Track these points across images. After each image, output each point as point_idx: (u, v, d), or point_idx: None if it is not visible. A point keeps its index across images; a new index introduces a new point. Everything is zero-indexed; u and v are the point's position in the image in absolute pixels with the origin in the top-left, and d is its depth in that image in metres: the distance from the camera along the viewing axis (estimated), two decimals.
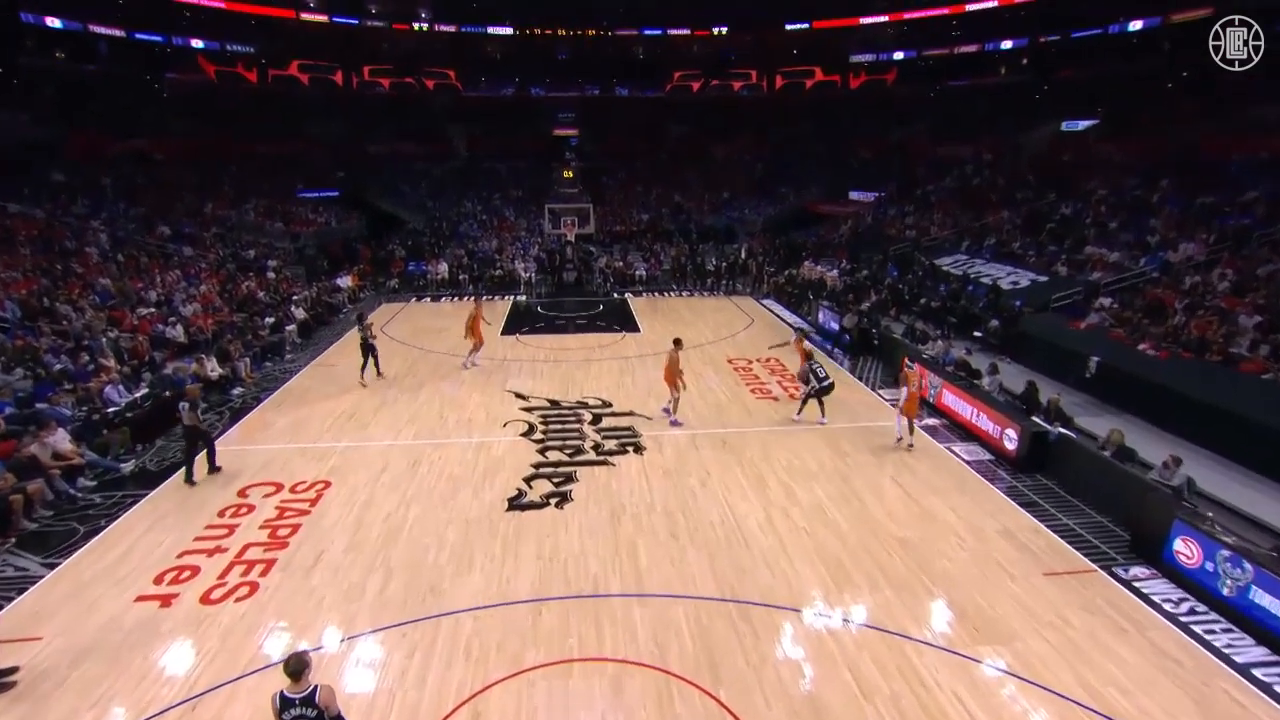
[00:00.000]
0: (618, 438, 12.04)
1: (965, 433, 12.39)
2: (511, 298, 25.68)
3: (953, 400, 12.94)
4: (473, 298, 17.20)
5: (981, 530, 9.28)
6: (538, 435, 12.16)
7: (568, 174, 31.57)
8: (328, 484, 10.50)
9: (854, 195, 37.67)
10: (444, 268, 28.24)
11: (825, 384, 12.55)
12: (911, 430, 11.91)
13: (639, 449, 11.66)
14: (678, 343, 12.91)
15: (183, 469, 10.66)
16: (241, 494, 10.23)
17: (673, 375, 12.65)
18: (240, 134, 38.23)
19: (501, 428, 12.45)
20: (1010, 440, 11.19)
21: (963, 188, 29.92)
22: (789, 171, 43.61)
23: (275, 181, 36.06)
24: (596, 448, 11.66)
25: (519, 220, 37.71)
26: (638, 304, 24.86)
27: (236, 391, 14.58)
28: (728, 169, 46.37)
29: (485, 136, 47.80)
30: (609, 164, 47.94)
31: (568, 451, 11.54)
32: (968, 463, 11.27)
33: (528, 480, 10.59)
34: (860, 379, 15.55)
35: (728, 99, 50.12)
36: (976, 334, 16.93)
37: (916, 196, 31.39)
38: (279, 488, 10.38)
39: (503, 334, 19.59)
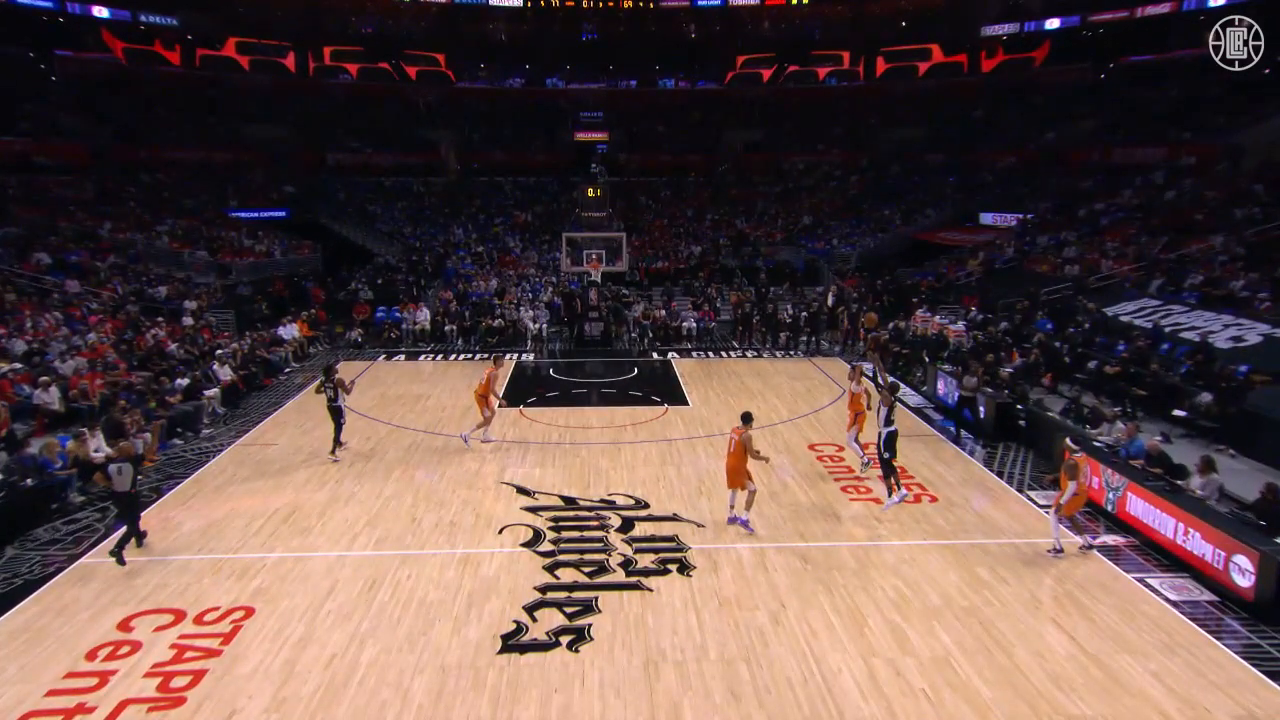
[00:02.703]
0: (656, 551, 12.09)
1: (1166, 557, 12.03)
2: (514, 357, 26.14)
3: (1144, 510, 12.67)
4: (489, 359, 17.67)
5: (1209, 715, 8.80)
6: (545, 546, 12.24)
7: (594, 193, 32.47)
8: (249, 612, 10.53)
9: (987, 219, 38.14)
10: (425, 316, 29.11)
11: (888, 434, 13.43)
12: (1080, 533, 12.01)
13: (685, 568, 11.61)
14: (747, 419, 13.00)
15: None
16: (123, 626, 10.15)
17: (741, 465, 12.65)
18: (155, 135, 40.20)
19: (496, 535, 12.64)
20: (1243, 573, 10.75)
21: (1149, 205, 29.84)
22: (895, 188, 44.70)
23: (200, 198, 37.95)
24: (626, 565, 11.67)
25: (527, 254, 38.99)
26: (685, 368, 25.16)
27: (142, 477, 14.76)
28: (810, 186, 47.57)
29: (484, 143, 49.93)
30: (649, 180, 49.04)
31: (587, 570, 11.53)
32: (1174, 604, 10.85)
33: (530, 610, 10.56)
34: (1001, 474, 15.45)
35: (810, 92, 51.52)
36: (1178, 413, 16.56)
37: (1079, 219, 31.63)
38: (178, 617, 10.38)
39: (501, 406, 20.08)
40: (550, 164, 48.51)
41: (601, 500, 13.91)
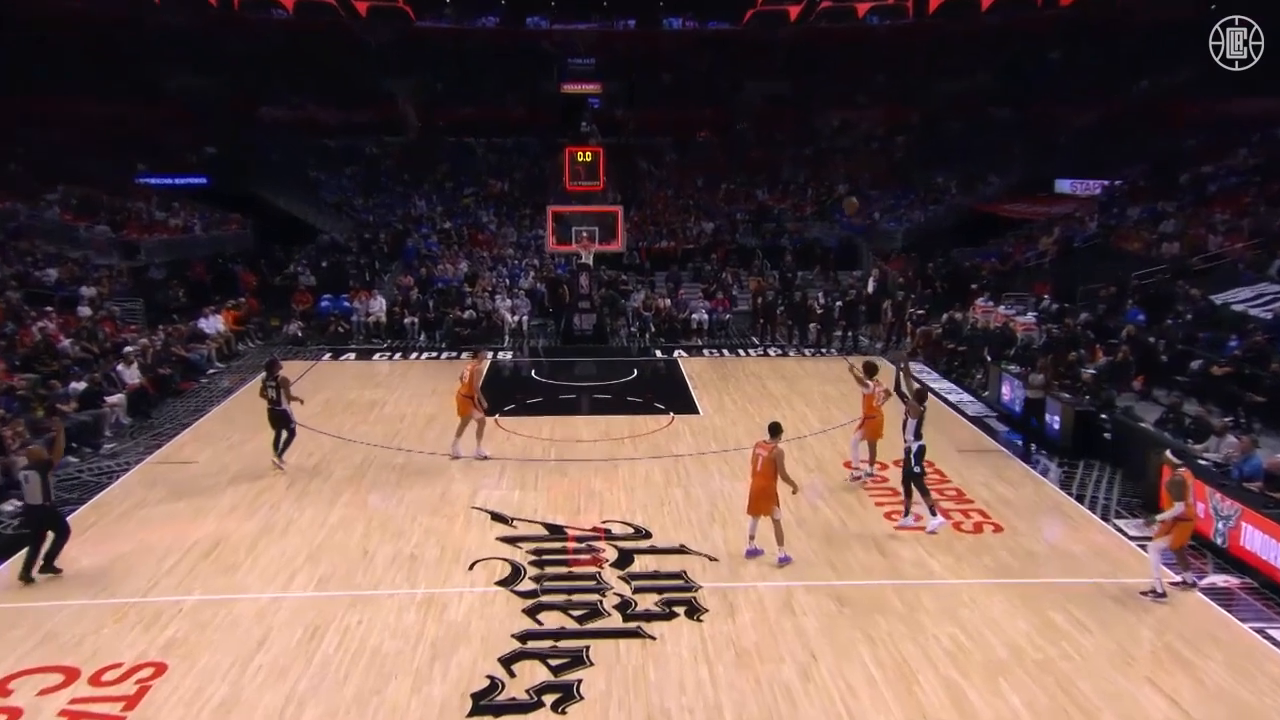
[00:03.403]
0: (659, 591, 12.09)
1: None
2: (488, 355, 26.17)
3: (1263, 544, 12.62)
4: (468, 356, 17.81)
5: None
6: (526, 584, 12.25)
7: (584, 156, 32.43)
8: (160, 669, 10.41)
9: (1064, 187, 38.20)
10: (380, 306, 29.28)
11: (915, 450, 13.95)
12: (1184, 565, 12.03)
13: (695, 611, 11.61)
14: (776, 431, 12.99)
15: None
16: (0, 688, 10.04)
17: (770, 488, 12.62)
18: (45, 84, 39.85)
19: (466, 571, 12.63)
20: None
21: (1270, 168, 29.50)
22: (950, 151, 44.74)
23: (102, 160, 38.07)
24: (624, 608, 11.66)
25: (503, 231, 39.30)
26: (695, 368, 25.24)
27: (9, 507, 14.61)
28: (846, 149, 47.63)
29: (451, 96, 49.92)
30: (650, 141, 49.13)
31: (576, 613, 11.53)
32: None
33: (507, 662, 10.56)
34: (1081, 499, 15.43)
35: (847, 33, 51.45)
36: None
37: (1180, 186, 31.61)
38: (70, 677, 10.22)
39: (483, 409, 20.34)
40: (531, 122, 48.48)
41: (594, 529, 13.90)
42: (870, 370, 16.21)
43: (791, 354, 27.04)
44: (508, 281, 32.24)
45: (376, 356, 26.60)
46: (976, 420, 20.13)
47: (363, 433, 18.83)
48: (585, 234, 29.19)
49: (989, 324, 25.35)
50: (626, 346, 28.56)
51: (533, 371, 24.97)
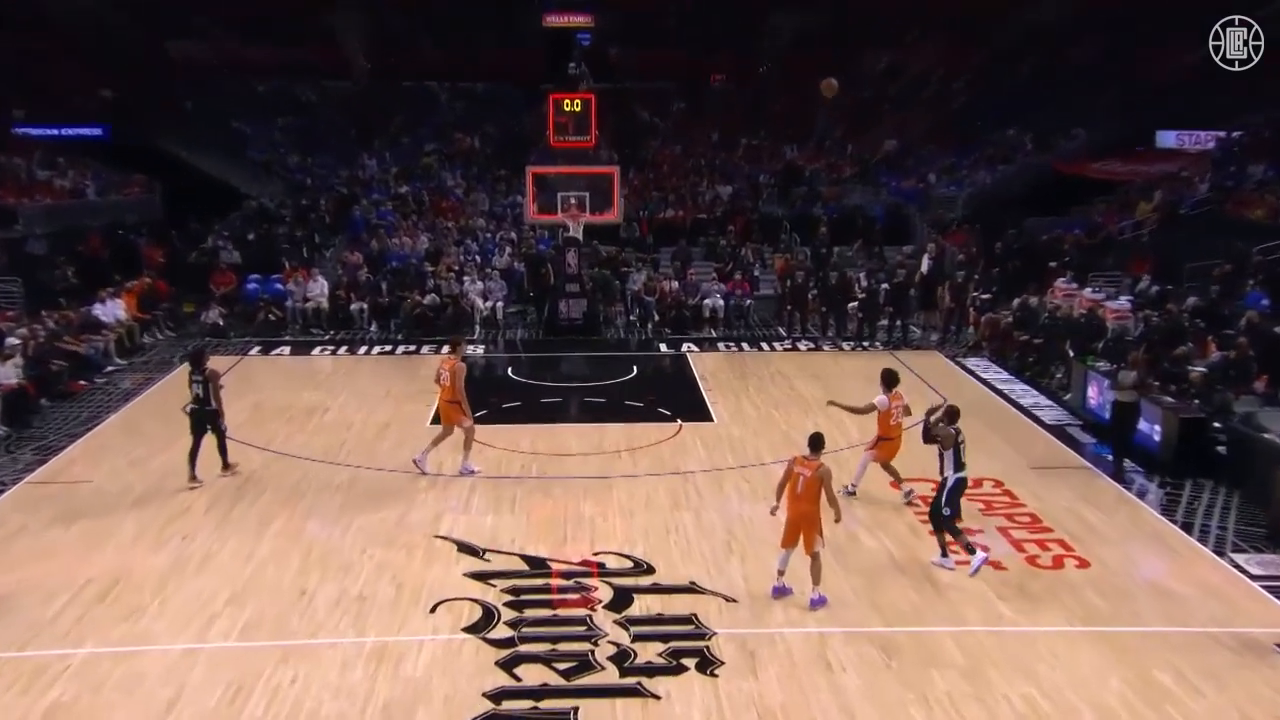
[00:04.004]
0: (664, 639, 12.12)
1: None
2: (469, 348, 26.12)
3: None
4: (448, 351, 17.78)
5: None
6: (501, 631, 12.26)
7: (572, 105, 32.15)
8: None
9: (1167, 140, 38.06)
10: (321, 289, 29.39)
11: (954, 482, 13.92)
12: None
13: (708, 664, 11.62)
14: (818, 444, 12.89)
15: None
16: None
17: (815, 515, 12.50)
18: None
19: (427, 615, 12.64)
20: None
21: None
22: (1024, 98, 44.64)
23: None
24: (621, 659, 11.69)
25: (473, 198, 39.30)
26: (708, 365, 25.34)
27: None
28: (895, 97, 47.79)
29: (409, 31, 50.00)
30: (654, 87, 49.41)
31: (562, 666, 11.56)
32: None
33: None
34: (1189, 528, 15.36)
35: None
36: None
37: None
38: None
39: (433, 422, 20.06)
40: (508, 64, 48.45)
41: (584, 563, 13.87)
42: (889, 380, 16.16)
43: (826, 348, 27.02)
44: (478, 259, 32.21)
45: (317, 351, 26.62)
46: (1056, 430, 20.06)
47: (299, 444, 18.77)
48: (573, 201, 29.09)
49: (1071, 311, 25.20)
50: (624, 339, 28.60)
51: (509, 369, 24.94)
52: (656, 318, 29.12)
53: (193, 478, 16.54)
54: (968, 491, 15.76)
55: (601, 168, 31.47)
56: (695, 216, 36.90)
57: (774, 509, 12.98)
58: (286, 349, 26.64)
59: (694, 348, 27.02)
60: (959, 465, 13.81)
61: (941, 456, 13.95)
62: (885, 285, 28.59)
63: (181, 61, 45.72)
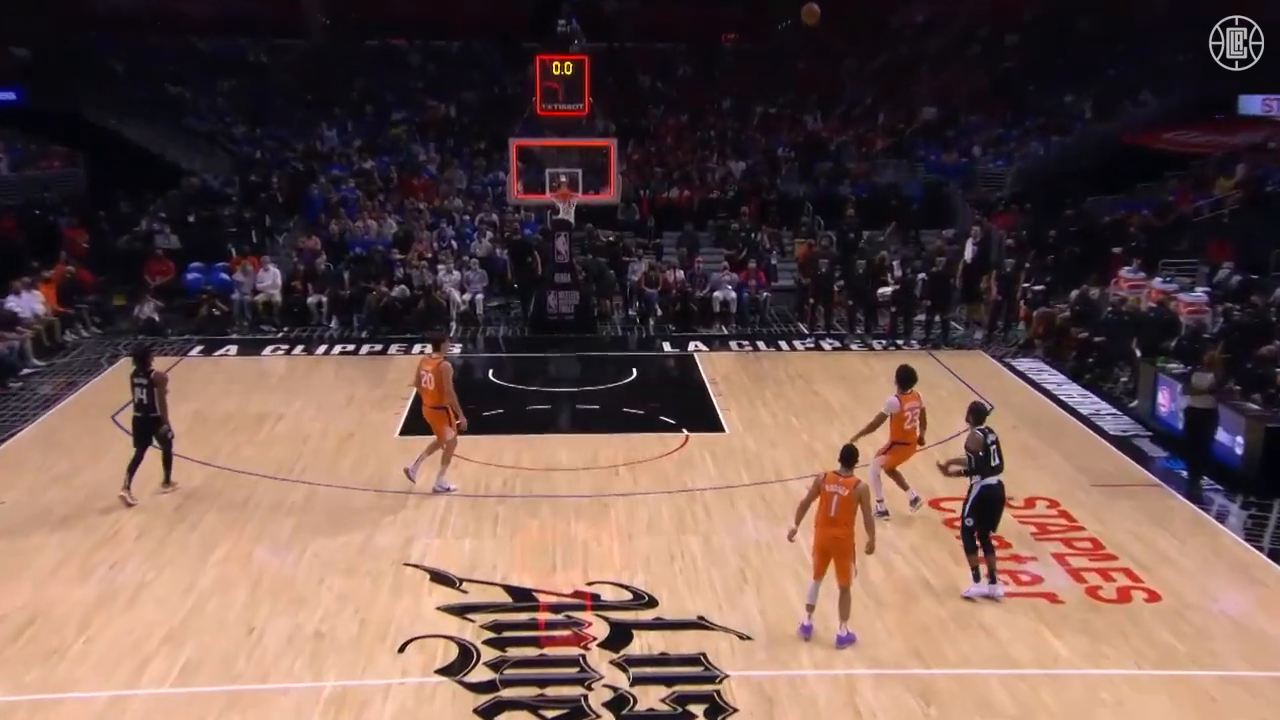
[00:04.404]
0: (668, 682, 12.10)
1: None
2: (453, 346, 26.30)
3: None
4: (431, 350, 17.74)
5: None
6: (480, 674, 12.22)
7: (563, 68, 31.96)
8: None
9: (1252, 107, 37.87)
10: (273, 279, 29.38)
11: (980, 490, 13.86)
12: None
13: (719, 710, 11.63)
14: (851, 459, 12.81)
15: None
16: None
17: (849, 541, 12.38)
18: None
19: (395, 655, 12.63)
20: None
21: None
22: (1082, 59, 44.62)
23: None
24: (619, 705, 11.67)
25: (448, 175, 39.29)
26: (719, 367, 25.38)
27: None
28: (934, 57, 47.56)
29: None
30: (656, 47, 49.47)
31: (551, 714, 11.54)
32: None
33: None
34: (1277, 555, 15.28)
35: None
36: None
37: None
38: None
39: (403, 432, 20.28)
40: (488, 19, 48.39)
41: (576, 594, 13.86)
42: (904, 379, 16.16)
43: (855, 347, 27.07)
44: (454, 245, 32.16)
45: (268, 351, 26.61)
46: (1120, 441, 20.03)
47: (247, 458, 18.71)
48: (564, 179, 29.02)
49: (1139, 304, 25.22)
50: (622, 337, 28.64)
51: (490, 372, 24.89)
52: (659, 313, 29.09)
53: (126, 489, 16.49)
54: (1019, 514, 15.79)
55: (596, 140, 31.52)
56: (704, 196, 36.93)
57: (792, 533, 12.91)
58: (233, 349, 26.58)
59: (702, 347, 27.00)
60: (989, 469, 13.71)
61: (970, 460, 13.88)
62: (922, 275, 28.55)
63: (109, 15, 45.53)
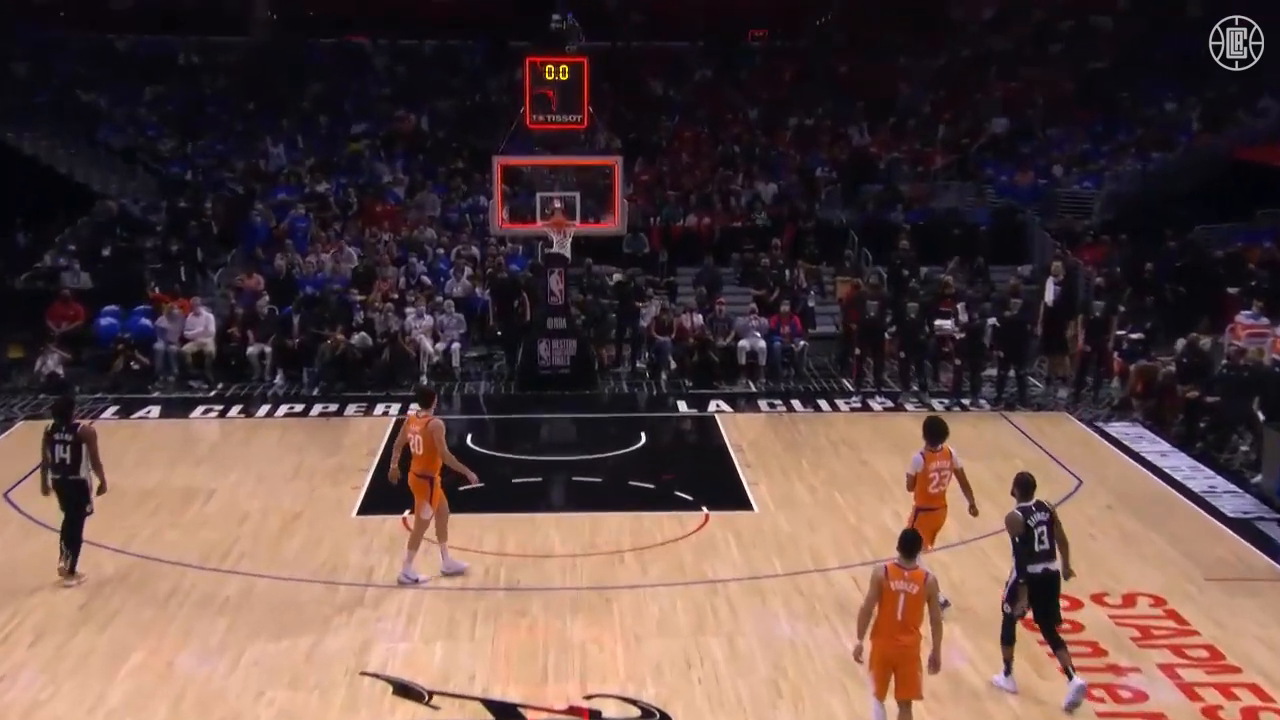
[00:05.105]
0: None
1: None
2: (392, 411, 26.38)
3: None
4: (419, 409, 17.60)
5: None
6: None
7: (558, 72, 32.03)
8: None
9: None
10: (205, 324, 29.27)
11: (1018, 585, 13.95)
12: None
13: None
14: (913, 546, 12.55)
15: None
16: None
17: (916, 651, 12.25)
18: None
19: None
20: None
21: None
22: (1187, 61, 43.63)
23: None
24: None
25: (419, 199, 39.29)
26: (745, 431, 25.44)
27: None
28: (1004, 56, 47.84)
29: None
30: (668, 47, 49.79)
31: None
32: None
33: None
34: None
35: None
36: None
37: None
38: None
39: (361, 511, 20.26)
40: (467, 12, 48.82)
41: (571, 709, 13.76)
42: (934, 433, 16.10)
43: (910, 407, 27.01)
44: (425, 283, 32.28)
45: (198, 412, 26.62)
46: (1241, 525, 19.79)
47: (171, 544, 18.57)
48: (558, 204, 29.10)
49: (1261, 355, 25.20)
50: (629, 394, 28.67)
51: (468, 437, 24.70)
52: (673, 365, 29.14)
53: (64, 560, 16.56)
54: (1116, 613, 15.67)
55: (597, 158, 31.63)
56: (726, 225, 37.04)
57: (859, 651, 12.48)
58: (155, 409, 26.60)
59: (725, 407, 27.02)
60: (1032, 555, 13.63)
61: (1013, 545, 13.85)
62: (993, 320, 28.40)
63: (7, 5, 45.74)
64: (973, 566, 17.73)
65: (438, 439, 16.95)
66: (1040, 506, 13.80)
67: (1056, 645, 13.75)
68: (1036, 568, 13.60)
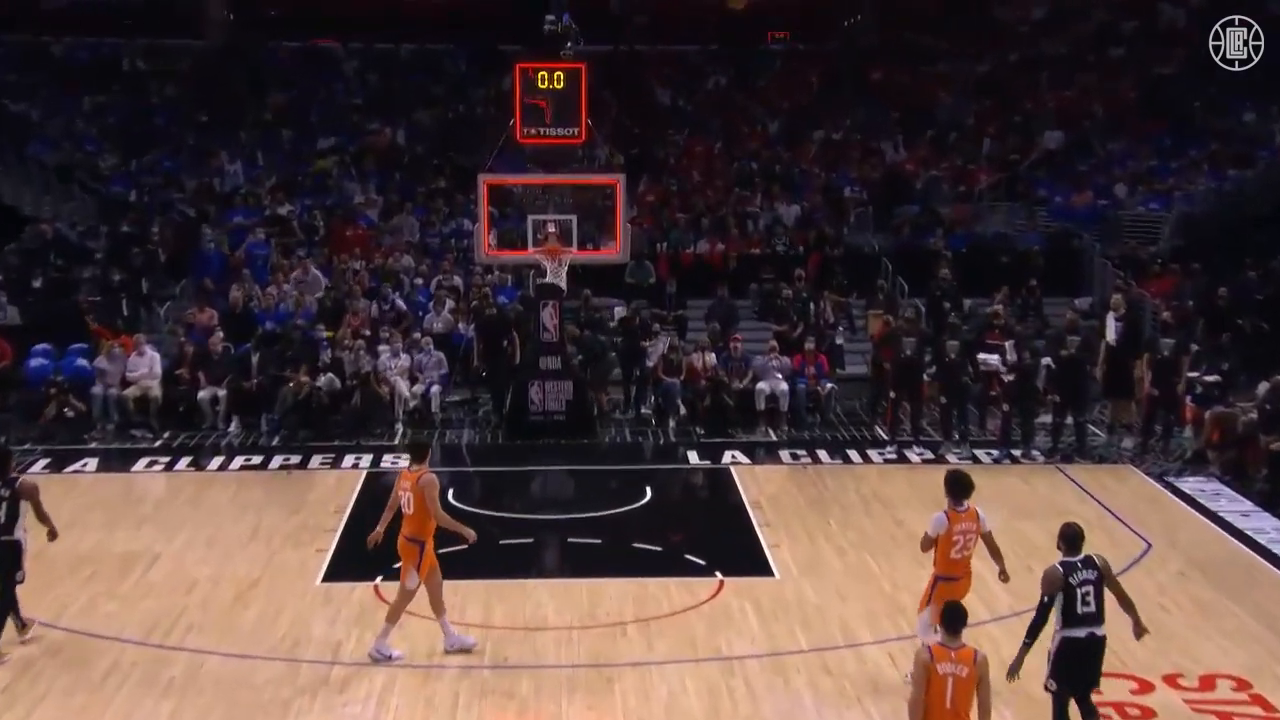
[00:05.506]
0: None
1: None
2: (363, 463, 26.51)
3: None
4: (412, 462, 17.49)
5: None
6: None
7: (552, 80, 32.05)
8: None
9: None
10: (150, 363, 29.33)
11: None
12: None
13: None
14: (957, 621, 12.45)
15: None
16: None
17: None
18: None
19: None
20: None
21: None
22: (1269, 64, 44.19)
23: None
24: None
25: (395, 223, 39.40)
26: (765, 486, 25.46)
27: None
28: (1059, 61, 48.08)
29: None
30: (677, 51, 50.34)
31: None
32: None
33: None
34: None
35: None
36: None
37: None
38: None
39: (328, 578, 20.18)
40: (449, 13, 48.88)
41: None
42: (957, 488, 15.82)
43: (952, 458, 26.85)
44: (400, 308, 32.35)
45: (142, 464, 26.59)
46: None
47: (108, 617, 18.49)
48: (553, 229, 29.05)
49: None
50: (632, 444, 28.67)
51: (450, 493, 24.52)
52: (683, 410, 29.20)
53: (20, 628, 16.80)
54: (1192, 698, 15.50)
55: (597, 176, 31.71)
56: (743, 251, 37.06)
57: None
58: (92, 462, 26.56)
59: (742, 458, 27.00)
60: (1074, 618, 13.46)
61: (1041, 603, 13.67)
62: (1047, 361, 28.40)
63: None
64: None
65: (429, 496, 16.72)
66: (1088, 563, 13.59)
67: (1089, 714, 13.71)
68: (1079, 632, 13.38)
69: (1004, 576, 15.98)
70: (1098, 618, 13.44)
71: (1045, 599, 13.45)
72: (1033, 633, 13.45)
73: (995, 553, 15.77)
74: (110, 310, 31.75)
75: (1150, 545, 20.85)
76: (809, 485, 25.43)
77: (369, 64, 48.06)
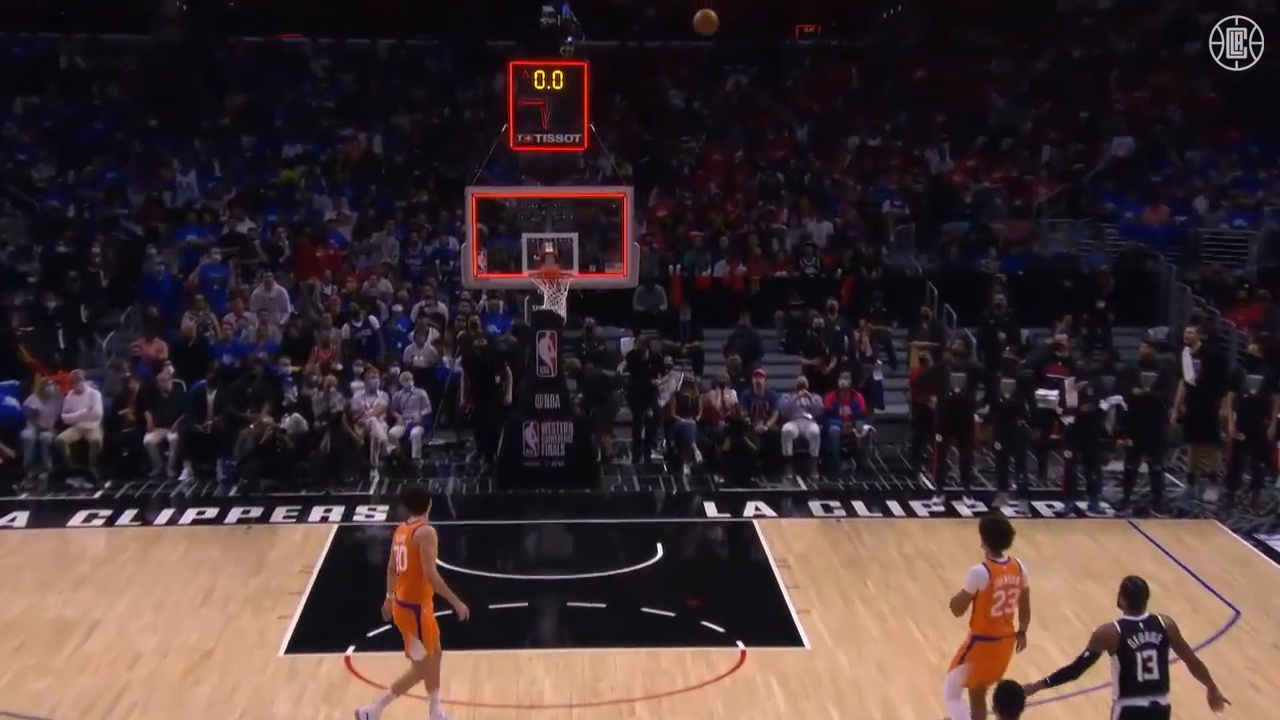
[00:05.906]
0: None
1: None
2: (333, 516, 26.57)
3: None
4: (408, 514, 17.40)
5: None
6: None
7: (550, 81, 32.03)
8: None
9: None
10: (90, 402, 29.28)
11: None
12: None
13: None
14: (1014, 701, 12.64)
15: None
16: None
17: None
18: None
19: None
20: None
21: None
22: None
23: None
24: None
25: (370, 242, 39.57)
26: (793, 539, 25.45)
27: None
28: (1128, 58, 48.38)
29: None
30: (691, 48, 50.33)
31: None
32: None
33: None
34: None
35: None
36: None
37: None
38: None
39: (291, 648, 19.94)
40: (434, 4, 48.85)
41: None
42: (996, 538, 15.63)
43: (1007, 509, 26.60)
44: (374, 341, 32.25)
45: (79, 518, 26.48)
46: None
47: (38, 695, 18.34)
48: (551, 249, 28.95)
49: None
50: (642, 493, 28.62)
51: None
52: (699, 456, 29.19)
53: None
54: None
55: (601, 189, 31.64)
56: (767, 275, 37.09)
57: None
58: (21, 515, 26.50)
59: (767, 510, 26.90)
60: (1134, 685, 13.30)
61: (1083, 656, 13.55)
62: (1117, 400, 28.43)
63: None
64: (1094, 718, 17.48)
65: (424, 553, 16.53)
66: (1151, 624, 13.39)
67: None
68: (1141, 701, 13.21)
69: (1022, 643, 15.63)
70: (1162, 685, 13.26)
71: (1087, 654, 13.35)
72: (1057, 678, 13.51)
73: (1025, 612, 15.50)
74: (45, 342, 31.65)
75: (1239, 613, 20.69)
76: (844, 542, 25.25)
77: (340, 62, 48.25)
